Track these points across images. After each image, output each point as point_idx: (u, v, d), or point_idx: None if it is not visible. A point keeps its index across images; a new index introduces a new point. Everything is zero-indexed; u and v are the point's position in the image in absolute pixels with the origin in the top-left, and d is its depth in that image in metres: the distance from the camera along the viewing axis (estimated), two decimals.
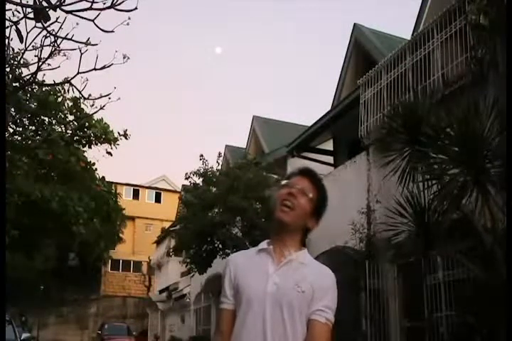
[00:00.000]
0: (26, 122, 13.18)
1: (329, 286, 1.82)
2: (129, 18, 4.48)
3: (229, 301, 1.84)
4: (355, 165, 9.93)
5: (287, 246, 1.85)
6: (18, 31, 4.26)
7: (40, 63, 6.11)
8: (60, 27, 4.72)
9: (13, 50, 7.16)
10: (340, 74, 12.62)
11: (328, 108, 12.36)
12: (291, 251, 1.85)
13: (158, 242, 29.55)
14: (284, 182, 1.93)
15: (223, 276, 1.89)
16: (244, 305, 1.78)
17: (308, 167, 2.05)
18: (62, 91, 12.86)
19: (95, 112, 12.07)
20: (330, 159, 12.97)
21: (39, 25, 4.53)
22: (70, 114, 13.73)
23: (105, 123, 14.12)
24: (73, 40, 4.63)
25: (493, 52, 5.74)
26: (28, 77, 7.08)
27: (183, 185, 17.61)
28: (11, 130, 12.22)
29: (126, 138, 14.18)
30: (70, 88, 8.57)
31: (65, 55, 6.37)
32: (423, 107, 5.59)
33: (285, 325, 1.73)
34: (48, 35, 5.20)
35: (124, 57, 5.62)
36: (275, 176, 12.76)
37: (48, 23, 4.16)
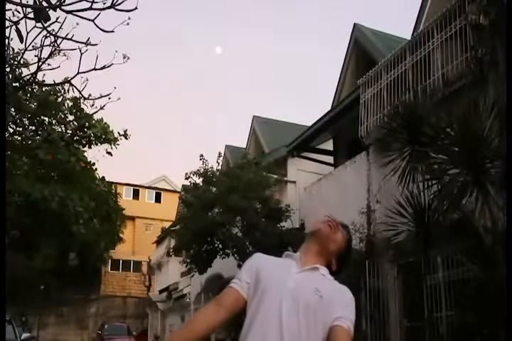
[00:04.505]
0: (26, 122, 13.19)
1: (349, 301, 1.87)
2: (129, 18, 4.49)
3: (240, 283, 1.89)
4: (355, 165, 9.92)
5: (313, 259, 1.95)
6: (18, 31, 4.27)
7: (40, 63, 6.12)
8: (60, 27, 4.74)
9: (13, 50, 7.17)
10: (340, 74, 12.61)
11: (328, 108, 12.36)
12: (315, 264, 1.94)
13: (158, 242, 29.53)
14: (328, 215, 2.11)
15: (244, 265, 1.96)
16: (262, 295, 1.82)
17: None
18: (62, 91, 12.86)
19: (95, 112, 12.08)
20: (330, 159, 12.97)
21: (39, 25, 4.54)
22: (70, 114, 13.75)
23: (105, 123, 14.15)
24: (73, 40, 4.65)
25: (493, 52, 5.74)
26: (28, 77, 7.09)
27: (183, 185, 17.59)
28: (11, 130, 12.23)
29: (126, 138, 14.22)
30: (70, 88, 8.56)
31: (65, 55, 6.39)
32: (423, 107, 5.60)
33: (299, 324, 1.75)
34: (47, 35, 5.21)
35: (124, 57, 5.63)
36: (275, 176, 12.75)
37: (48, 23, 4.16)
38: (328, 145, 13.21)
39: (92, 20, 3.72)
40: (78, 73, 5.94)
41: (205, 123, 79.91)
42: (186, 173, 12.56)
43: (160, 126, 78.46)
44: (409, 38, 8.97)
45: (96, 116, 13.63)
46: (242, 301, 1.87)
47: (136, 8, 3.73)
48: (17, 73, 7.70)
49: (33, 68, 6.81)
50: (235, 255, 11.82)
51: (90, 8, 3.56)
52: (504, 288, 4.43)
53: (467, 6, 6.57)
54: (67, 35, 4.76)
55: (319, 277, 1.89)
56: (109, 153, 14.42)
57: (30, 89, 11.59)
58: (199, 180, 12.60)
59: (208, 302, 16.60)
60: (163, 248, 26.06)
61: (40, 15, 3.69)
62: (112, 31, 4.05)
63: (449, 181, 5.09)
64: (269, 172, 12.51)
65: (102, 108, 7.74)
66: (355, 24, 11.99)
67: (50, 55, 6.14)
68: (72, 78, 6.40)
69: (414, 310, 7.66)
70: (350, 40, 12.15)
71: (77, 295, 30.42)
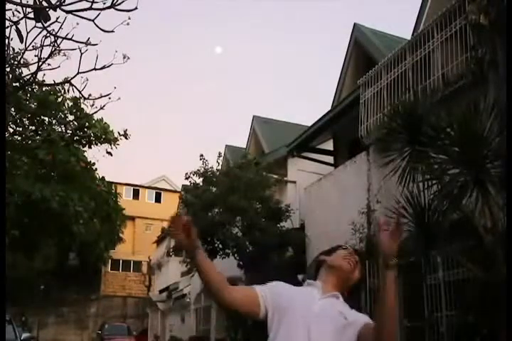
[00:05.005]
0: (26, 122, 13.19)
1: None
2: (129, 18, 4.49)
3: (261, 289, 1.96)
4: (355, 165, 9.92)
5: (332, 289, 2.04)
6: (18, 31, 4.26)
7: (40, 63, 6.12)
8: (60, 27, 4.73)
9: (13, 50, 7.17)
10: (340, 74, 12.61)
11: (328, 108, 12.36)
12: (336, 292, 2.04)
13: (158, 242, 29.53)
14: (344, 246, 2.20)
15: (265, 285, 2.02)
16: (284, 317, 1.88)
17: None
18: (62, 91, 12.87)
19: (95, 112, 12.10)
20: (330, 159, 12.97)
21: (39, 25, 4.54)
22: (70, 114, 13.74)
23: (105, 123, 14.12)
24: (73, 40, 4.64)
25: (493, 52, 5.74)
26: (28, 77, 7.10)
27: (183, 185, 17.59)
28: (11, 130, 12.23)
29: (126, 138, 14.20)
30: (70, 88, 8.56)
31: (65, 55, 6.39)
32: (423, 107, 5.59)
33: None
34: (48, 35, 5.21)
35: (124, 57, 5.63)
36: (275, 176, 12.76)
37: (48, 23, 4.16)
38: (328, 145, 13.21)
39: (92, 20, 3.72)
40: (78, 73, 5.94)
41: (205, 123, 79.98)
42: (186, 173, 12.58)
43: (160, 126, 78.47)
44: (409, 38, 8.97)
45: (96, 116, 13.63)
46: (255, 302, 1.91)
47: (136, 8, 3.73)
48: (17, 73, 7.70)
49: (33, 68, 6.81)
50: (235, 255, 11.82)
51: (90, 8, 3.56)
52: (504, 288, 4.43)
53: (467, 6, 6.57)
54: (67, 35, 4.76)
55: (341, 304, 2.00)
56: (109, 153, 14.40)
57: (30, 89, 11.58)
58: (199, 180, 12.61)
59: (208, 302, 16.65)
60: (163, 248, 26.06)
61: (40, 15, 3.68)
62: (112, 31, 4.05)
63: (449, 181, 5.09)
64: (269, 173, 12.53)
65: (102, 108, 7.76)
66: (355, 24, 11.98)
67: (50, 55, 6.14)
68: (72, 78, 6.40)
69: (414, 310, 7.66)
70: (350, 40, 12.15)
71: (77, 295, 30.43)
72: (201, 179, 12.52)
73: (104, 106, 7.67)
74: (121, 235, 23.76)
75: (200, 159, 12.53)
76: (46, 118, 13.39)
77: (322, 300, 1.96)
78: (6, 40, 5.57)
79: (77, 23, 4.94)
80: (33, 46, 6.06)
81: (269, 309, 1.90)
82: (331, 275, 2.07)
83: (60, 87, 12.34)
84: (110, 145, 14.26)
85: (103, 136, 14.02)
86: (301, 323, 1.85)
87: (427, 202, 5.56)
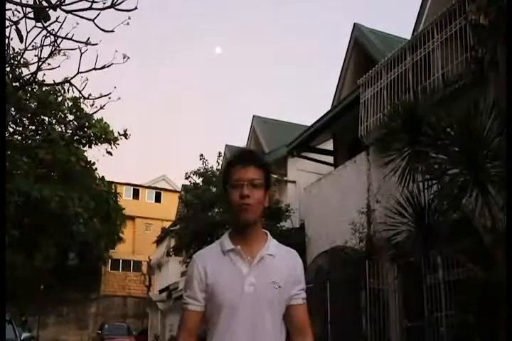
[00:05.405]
0: (26, 122, 13.19)
1: (300, 270, 1.89)
2: (129, 18, 4.50)
3: (199, 303, 1.82)
4: (355, 165, 9.92)
5: (254, 241, 1.85)
6: (18, 31, 4.26)
7: (40, 63, 6.13)
8: (60, 27, 4.74)
9: (13, 49, 7.18)
10: (340, 74, 12.61)
11: (328, 108, 12.36)
12: (259, 245, 1.84)
13: (158, 242, 29.54)
14: (232, 181, 1.90)
15: (191, 277, 1.84)
16: (223, 309, 1.77)
17: (239, 154, 1.97)
18: (62, 91, 12.88)
19: (95, 112, 12.14)
20: (330, 159, 12.97)
21: (39, 25, 4.54)
22: (70, 114, 13.75)
23: (105, 123, 14.13)
24: (73, 40, 4.65)
25: (493, 52, 5.74)
26: (28, 77, 7.10)
27: (183, 185, 17.60)
28: (11, 129, 12.23)
29: (126, 138, 14.21)
30: (70, 88, 8.58)
31: (65, 55, 6.40)
32: (423, 107, 5.59)
33: (268, 320, 1.78)
34: (47, 34, 5.21)
35: (124, 57, 5.64)
36: (275, 176, 12.75)
37: (48, 22, 4.16)
38: (328, 145, 13.21)
39: (92, 20, 3.72)
40: (78, 73, 5.95)
41: (205, 123, 80.00)
42: (186, 173, 12.59)
43: (160, 126, 78.50)
44: (409, 37, 8.97)
45: (96, 116, 13.65)
46: (201, 317, 1.84)
47: (136, 8, 3.73)
48: (17, 73, 7.72)
49: (33, 68, 6.83)
50: None
51: (90, 8, 3.56)
52: (504, 287, 4.43)
53: (467, 6, 6.56)
54: (67, 34, 4.76)
55: (269, 263, 1.82)
56: (109, 153, 14.41)
57: (30, 88, 11.60)
58: (199, 180, 12.61)
59: None
60: (163, 248, 26.07)
61: (40, 15, 3.68)
62: (112, 31, 4.05)
63: (449, 181, 5.09)
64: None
65: (102, 107, 7.79)
66: (355, 24, 11.98)
67: (50, 55, 6.15)
68: (72, 78, 6.41)
69: (414, 310, 7.66)
70: (350, 40, 12.15)
71: (77, 295, 30.41)
72: (201, 179, 12.52)
73: (104, 105, 7.71)
74: (121, 235, 23.79)
75: (200, 159, 12.54)
76: (46, 118, 13.41)
77: (251, 272, 1.78)
78: (6, 40, 5.57)
79: (77, 23, 4.96)
80: (33, 46, 6.07)
81: (208, 304, 1.82)
82: (244, 229, 1.83)
83: (60, 87, 12.36)
84: (110, 145, 14.27)
85: (103, 136, 14.03)
86: (241, 313, 1.75)
87: (427, 202, 5.57)
